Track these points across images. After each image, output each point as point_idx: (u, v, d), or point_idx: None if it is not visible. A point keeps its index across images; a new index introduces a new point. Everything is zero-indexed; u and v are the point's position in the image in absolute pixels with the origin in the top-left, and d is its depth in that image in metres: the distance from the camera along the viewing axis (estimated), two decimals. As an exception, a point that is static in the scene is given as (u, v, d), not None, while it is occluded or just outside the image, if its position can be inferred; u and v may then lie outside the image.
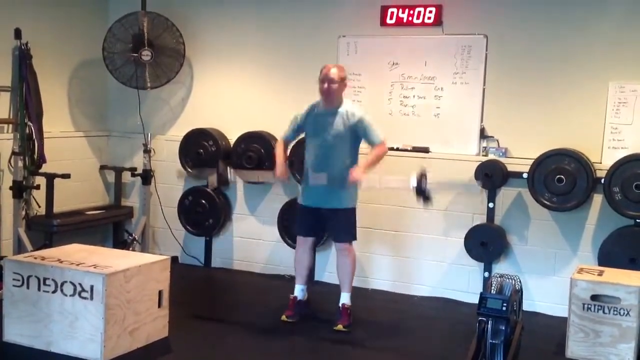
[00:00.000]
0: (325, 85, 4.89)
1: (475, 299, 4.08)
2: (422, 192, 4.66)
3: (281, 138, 5.18)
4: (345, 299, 5.01)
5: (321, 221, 5.04)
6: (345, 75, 5.01)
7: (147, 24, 6.16)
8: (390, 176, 5.02)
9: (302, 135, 5.15)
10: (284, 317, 5.03)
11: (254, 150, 6.09)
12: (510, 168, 5.44)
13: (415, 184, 4.65)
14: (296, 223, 5.25)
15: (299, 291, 5.12)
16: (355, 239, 5.07)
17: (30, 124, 5.81)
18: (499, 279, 4.06)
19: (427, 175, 4.65)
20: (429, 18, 5.66)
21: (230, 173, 5.28)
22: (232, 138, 6.26)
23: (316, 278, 6.06)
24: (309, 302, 5.18)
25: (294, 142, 5.28)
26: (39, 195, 5.92)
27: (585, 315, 4.40)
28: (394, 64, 5.83)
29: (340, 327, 4.89)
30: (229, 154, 6.25)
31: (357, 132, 4.90)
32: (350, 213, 5.00)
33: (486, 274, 5.55)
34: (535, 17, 5.45)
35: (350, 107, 4.98)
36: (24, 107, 5.79)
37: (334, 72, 4.91)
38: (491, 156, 5.54)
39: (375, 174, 4.89)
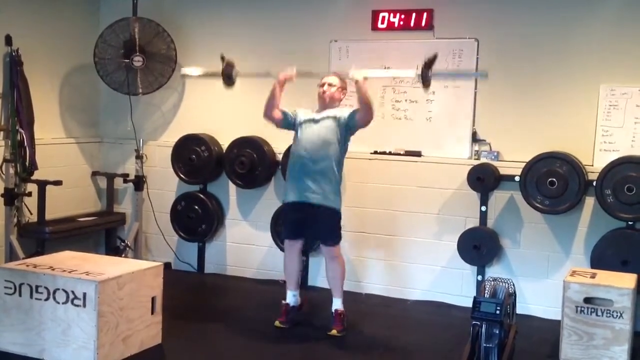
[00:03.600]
0: (325, 87, 4.93)
1: (468, 303, 4.09)
2: (425, 77, 4.70)
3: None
4: (337, 304, 4.99)
5: (307, 222, 4.97)
6: (346, 86, 5.05)
7: (138, 30, 6.15)
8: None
9: (288, 123, 5.05)
10: (277, 323, 5.02)
11: (247, 156, 6.08)
12: (502, 171, 5.45)
13: (419, 72, 4.70)
14: (283, 226, 5.21)
15: (290, 297, 5.11)
16: (340, 239, 5.03)
17: (22, 130, 5.80)
18: (492, 282, 4.07)
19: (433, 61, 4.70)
20: (420, 22, 5.67)
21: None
22: (225, 143, 6.25)
23: (310, 283, 6.06)
24: (302, 306, 5.17)
25: (281, 116, 5.01)
26: (31, 202, 5.90)
27: (578, 318, 4.41)
28: (385, 68, 5.83)
29: (334, 332, 4.88)
30: (221, 159, 6.24)
31: (348, 123, 4.86)
32: (335, 214, 4.95)
33: (479, 278, 5.56)
34: (526, 20, 5.47)
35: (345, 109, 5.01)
36: (15, 114, 5.78)
37: (334, 78, 4.97)
38: (483, 159, 5.55)
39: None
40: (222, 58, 5.14)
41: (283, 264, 5.20)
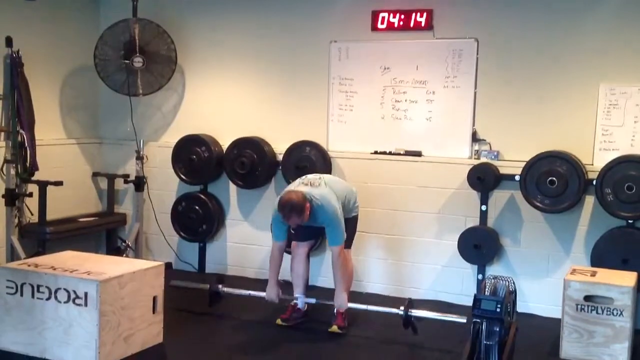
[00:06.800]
0: (296, 226, 4.79)
1: (469, 302, 4.09)
2: (408, 321, 4.71)
3: (276, 245, 4.93)
4: (340, 300, 4.91)
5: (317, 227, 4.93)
6: (304, 202, 4.65)
7: (138, 31, 6.16)
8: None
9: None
10: (278, 321, 5.03)
11: (247, 156, 6.09)
12: (502, 171, 5.46)
13: (402, 313, 4.71)
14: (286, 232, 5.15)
15: (298, 300, 5.12)
16: (349, 246, 5.02)
17: (22, 131, 5.81)
18: (492, 280, 4.07)
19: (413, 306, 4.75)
20: (420, 22, 5.68)
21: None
22: (225, 144, 6.26)
23: (311, 283, 6.04)
24: (307, 313, 5.17)
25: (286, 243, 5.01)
26: (32, 203, 5.91)
27: (578, 316, 4.42)
28: (385, 68, 5.85)
29: (334, 328, 4.90)
30: (221, 160, 6.25)
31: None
32: (351, 221, 5.00)
33: (480, 277, 5.56)
34: (525, 20, 5.47)
35: (319, 208, 4.73)
36: (15, 115, 5.79)
37: (296, 214, 4.61)
38: (483, 159, 5.56)
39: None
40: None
41: (290, 267, 5.21)
